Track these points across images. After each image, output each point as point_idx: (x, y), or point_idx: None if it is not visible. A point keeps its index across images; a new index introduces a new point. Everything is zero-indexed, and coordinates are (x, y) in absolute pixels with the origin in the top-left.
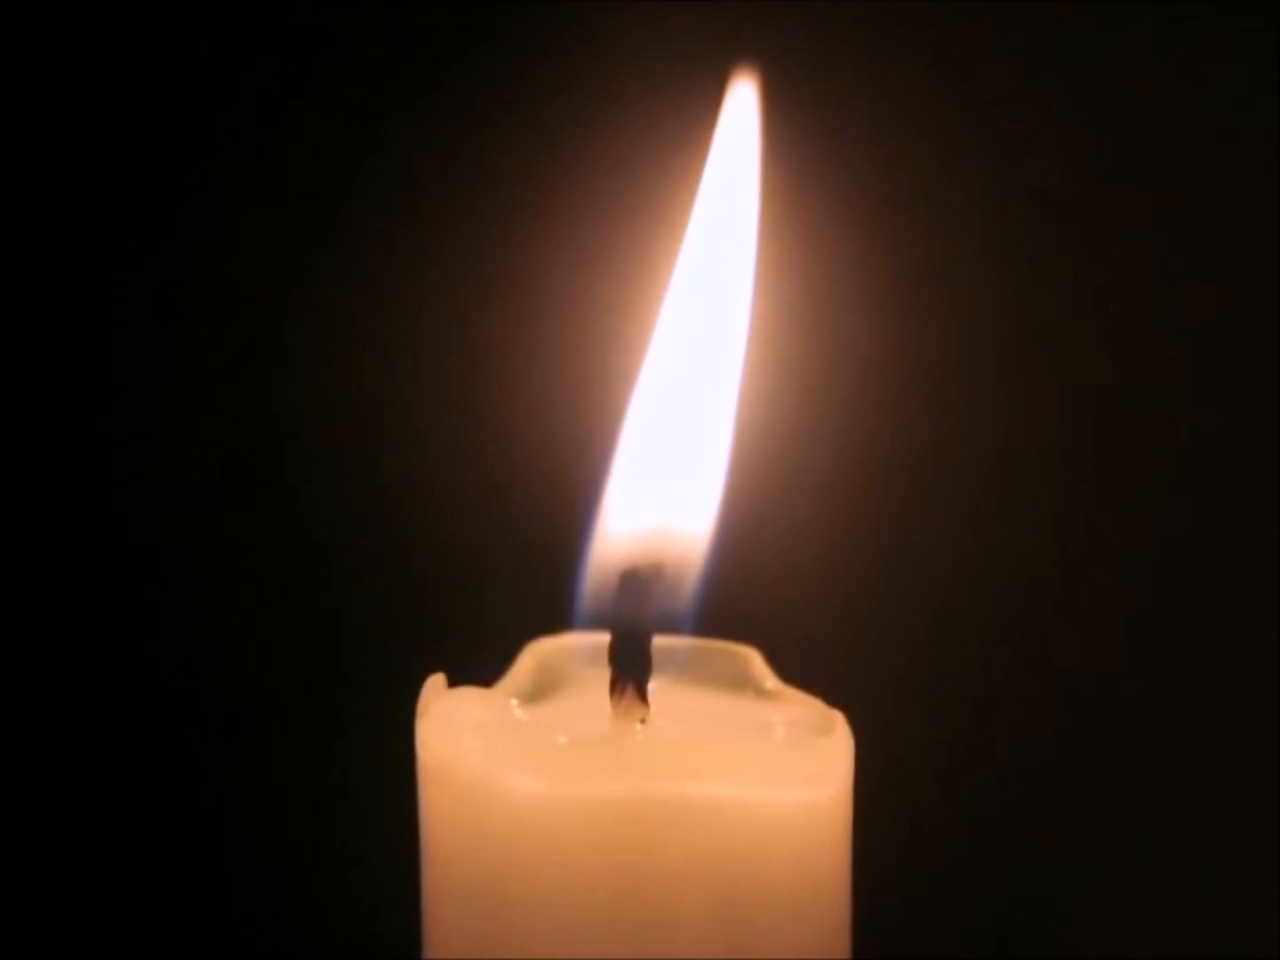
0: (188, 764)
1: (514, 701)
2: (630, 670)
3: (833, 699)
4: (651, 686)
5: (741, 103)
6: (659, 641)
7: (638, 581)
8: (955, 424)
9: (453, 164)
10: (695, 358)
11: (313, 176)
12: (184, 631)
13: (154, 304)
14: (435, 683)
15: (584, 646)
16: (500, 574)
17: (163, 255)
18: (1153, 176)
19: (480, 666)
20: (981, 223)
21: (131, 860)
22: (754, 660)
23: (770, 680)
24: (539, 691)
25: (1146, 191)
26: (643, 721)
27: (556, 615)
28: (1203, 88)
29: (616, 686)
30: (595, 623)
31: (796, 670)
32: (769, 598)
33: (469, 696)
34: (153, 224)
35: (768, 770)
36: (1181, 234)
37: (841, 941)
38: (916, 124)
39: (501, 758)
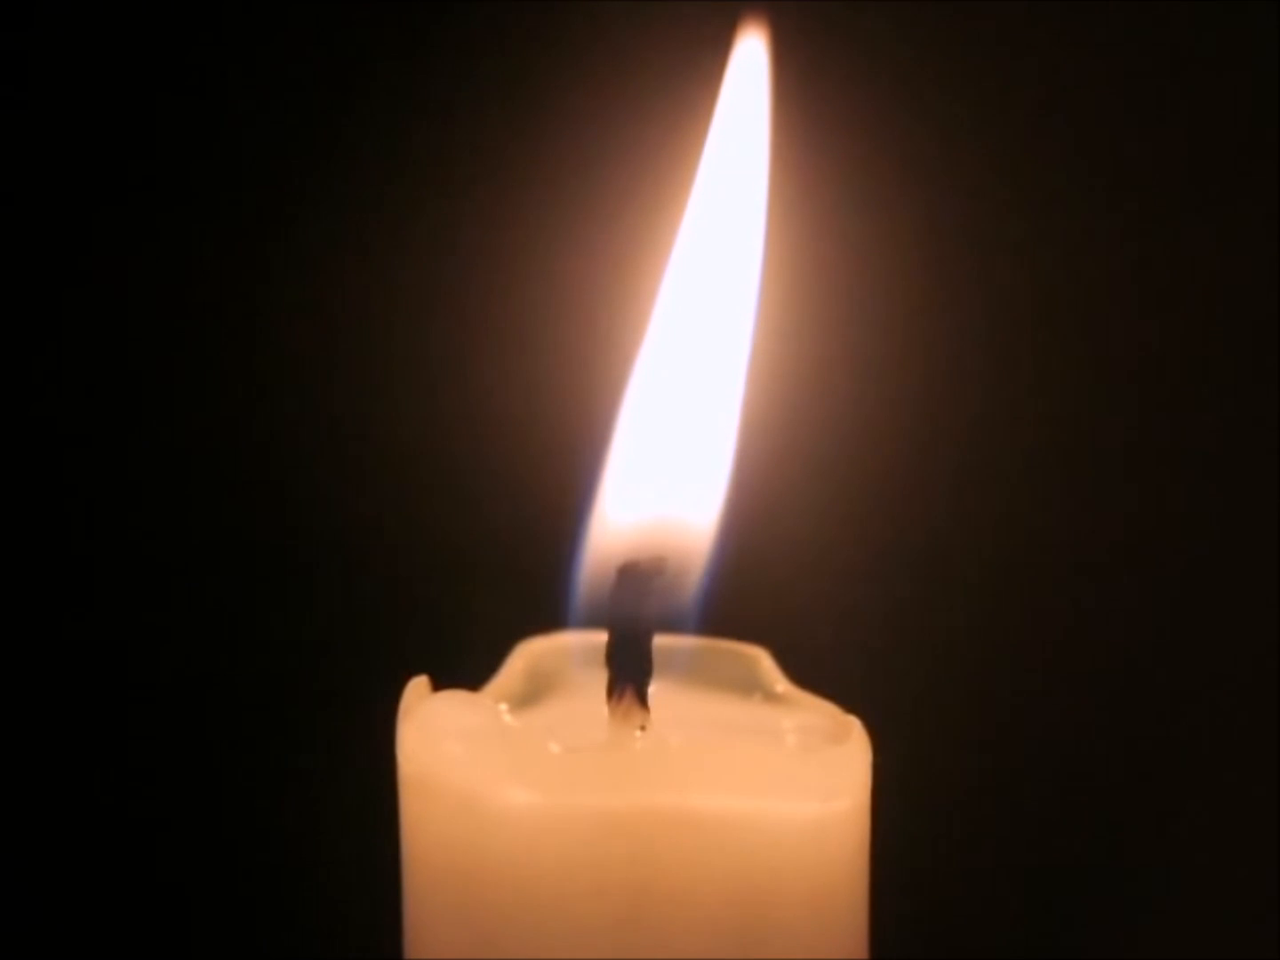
0: (158, 771)
1: (503, 706)
2: (629, 672)
3: (848, 703)
4: (652, 690)
5: (749, 57)
6: (660, 641)
7: (637, 576)
8: (981, 404)
9: (439, 126)
10: (700, 334)
11: (293, 154)
12: (157, 631)
13: (130, 293)
14: (417, 686)
15: (579, 647)
16: (488, 568)
17: (133, 242)
18: (1199, 132)
19: (467, 668)
20: (1008, 185)
21: (102, 871)
22: (763, 661)
23: (781, 683)
24: (530, 696)
25: (1193, 146)
26: (643, 728)
27: (549, 613)
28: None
29: (614, 690)
30: (591, 621)
31: (809, 672)
32: (779, 593)
33: (454, 701)
34: (123, 207)
35: (778, 781)
36: (1224, 208)
37: None
38: (937, 78)
39: (489, 768)
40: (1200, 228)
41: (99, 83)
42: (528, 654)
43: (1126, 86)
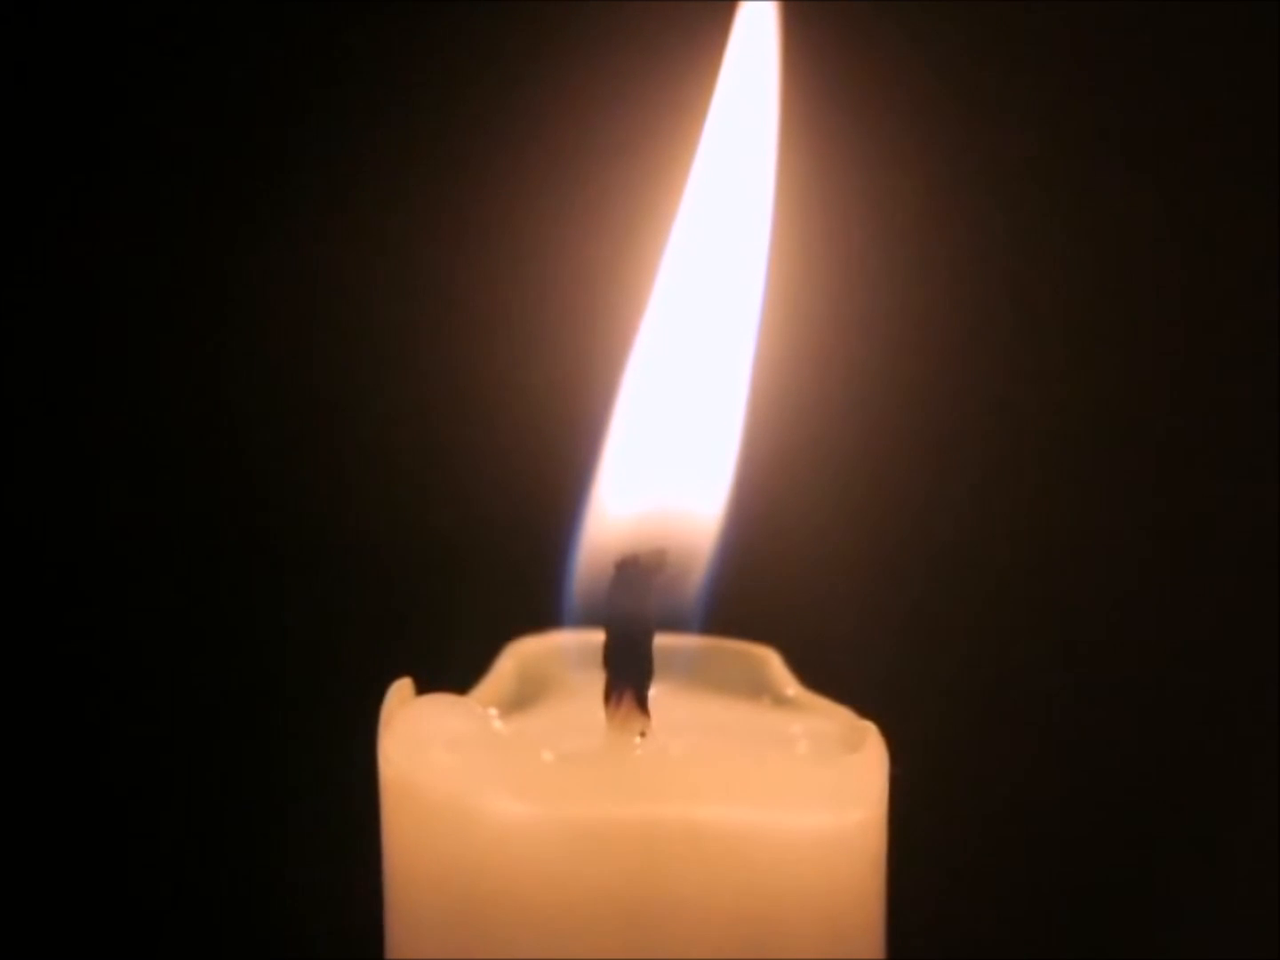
0: (134, 776)
1: (493, 711)
2: (628, 674)
3: (863, 708)
4: (652, 693)
5: (755, 20)
6: (661, 641)
7: (637, 571)
8: (1006, 391)
9: (425, 99)
10: (704, 313)
11: (274, 133)
12: (133, 628)
13: (104, 280)
14: (401, 689)
15: (574, 647)
16: (476, 562)
17: (105, 227)
18: (1221, 122)
19: (453, 670)
20: (1031, 161)
21: (78, 877)
22: (771, 662)
23: (791, 686)
24: (522, 699)
25: (1215, 136)
26: (642, 734)
27: (542, 610)
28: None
29: (612, 693)
30: (587, 619)
31: (821, 674)
32: (789, 590)
33: (440, 705)
34: (92, 190)
35: (788, 791)
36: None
37: None
38: (956, 47)
39: (478, 777)
40: (1225, 224)
41: (71, 49)
42: (519, 654)
43: (1153, 67)
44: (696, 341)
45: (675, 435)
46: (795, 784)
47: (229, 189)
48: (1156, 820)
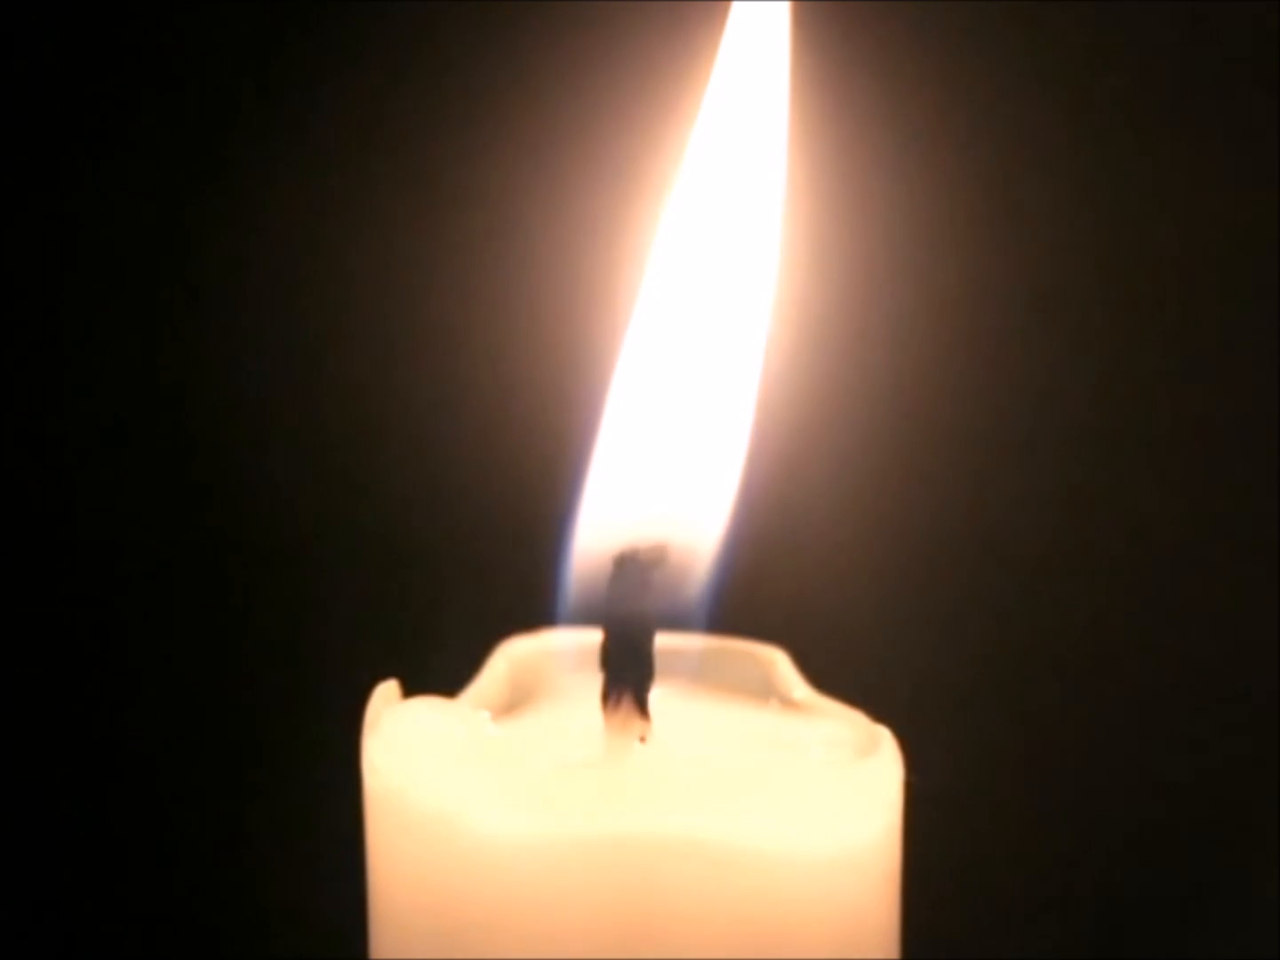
0: (106, 784)
1: (484, 715)
2: (627, 676)
3: (877, 711)
4: (653, 696)
5: (760, 17)
6: (663, 641)
7: (636, 567)
8: (1027, 375)
9: (418, 87)
10: (710, 304)
11: (250, 124)
12: (110, 629)
13: (94, 274)
14: (386, 691)
15: (570, 647)
16: (467, 557)
17: (72, 215)
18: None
19: (442, 671)
20: (1051, 136)
21: (57, 883)
22: (779, 663)
23: (800, 688)
24: (515, 703)
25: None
26: (642, 740)
27: (536, 608)
28: None
29: (611, 696)
30: (584, 617)
31: (831, 676)
32: (798, 587)
33: (428, 709)
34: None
35: (798, 801)
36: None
37: None
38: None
39: (468, 785)
40: (1242, 224)
41: (68, 45)
42: (512, 655)
43: (1164, 65)
44: (703, 331)
45: (679, 426)
46: (805, 793)
47: (211, 183)
48: (1183, 831)
